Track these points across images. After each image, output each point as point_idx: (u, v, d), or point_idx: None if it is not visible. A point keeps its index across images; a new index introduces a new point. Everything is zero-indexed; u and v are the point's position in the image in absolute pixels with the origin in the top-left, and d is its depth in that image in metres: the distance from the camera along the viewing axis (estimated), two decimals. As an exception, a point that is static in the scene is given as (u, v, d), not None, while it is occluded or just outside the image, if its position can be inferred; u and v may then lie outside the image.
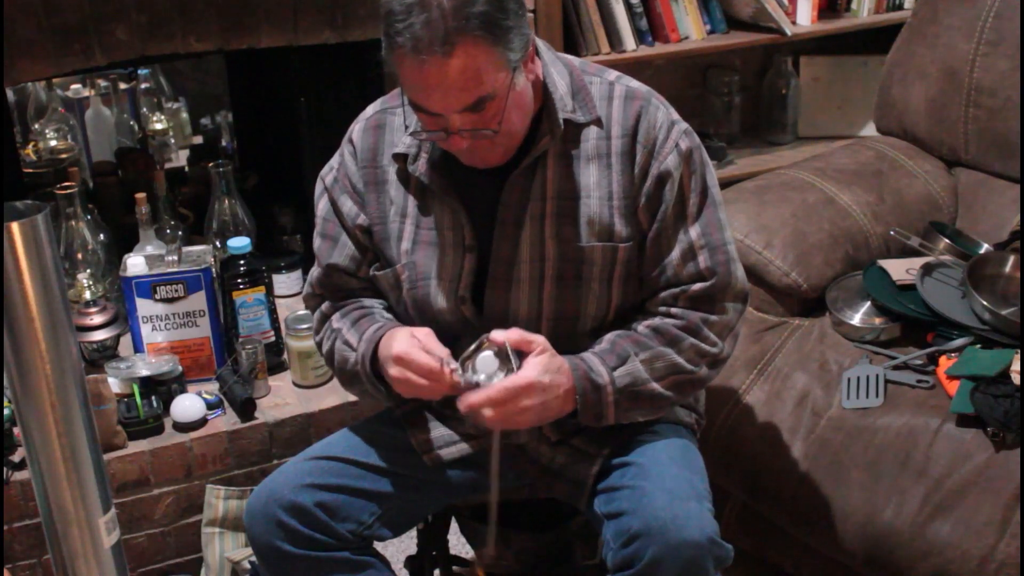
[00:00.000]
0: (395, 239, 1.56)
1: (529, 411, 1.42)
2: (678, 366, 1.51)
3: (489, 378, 1.41)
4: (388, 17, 1.34)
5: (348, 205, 1.59)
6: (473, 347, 1.43)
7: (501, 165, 1.48)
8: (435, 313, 1.54)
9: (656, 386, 1.50)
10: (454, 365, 1.42)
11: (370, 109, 1.62)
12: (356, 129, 1.60)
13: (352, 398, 2.24)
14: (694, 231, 1.51)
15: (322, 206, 1.62)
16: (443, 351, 1.44)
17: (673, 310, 1.52)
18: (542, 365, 1.42)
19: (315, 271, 1.64)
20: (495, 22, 1.33)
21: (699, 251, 1.51)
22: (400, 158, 1.54)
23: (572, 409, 1.49)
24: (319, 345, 1.65)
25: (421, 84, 1.35)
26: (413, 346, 1.44)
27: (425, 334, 1.46)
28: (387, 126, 1.57)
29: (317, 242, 1.63)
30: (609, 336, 1.52)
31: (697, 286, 1.51)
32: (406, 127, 1.50)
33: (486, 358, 1.42)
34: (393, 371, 1.46)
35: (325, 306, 1.63)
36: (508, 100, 1.38)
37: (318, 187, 1.63)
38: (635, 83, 1.54)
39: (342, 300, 1.63)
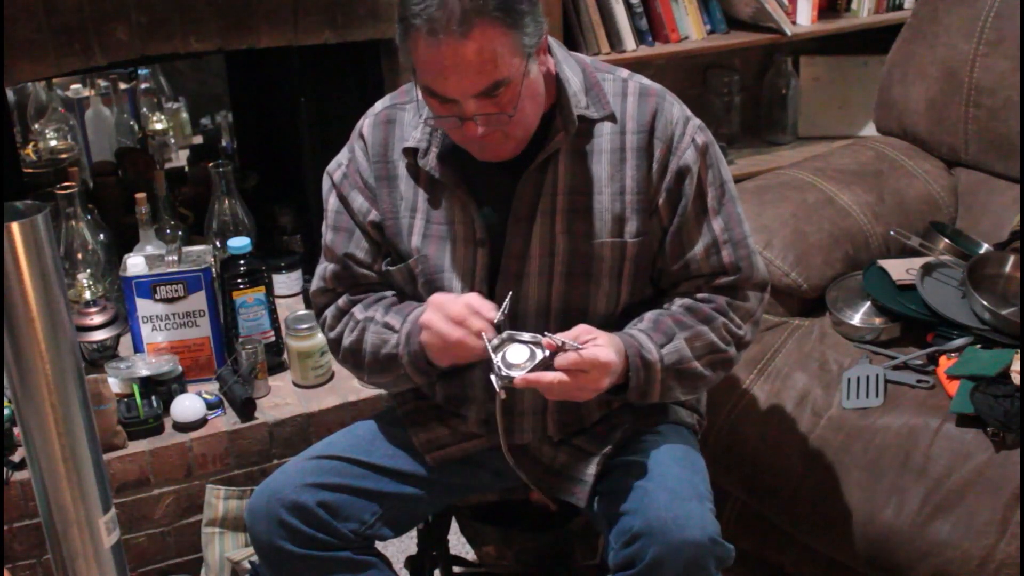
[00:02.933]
0: (406, 234, 1.56)
1: (595, 391, 1.42)
2: (714, 345, 1.52)
3: (520, 369, 1.39)
4: (404, 1, 1.34)
5: (359, 201, 1.58)
6: (497, 341, 1.40)
7: (513, 162, 1.48)
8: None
9: (697, 364, 1.51)
10: (491, 336, 1.39)
11: (379, 105, 1.61)
12: (365, 124, 1.60)
13: (352, 398, 2.24)
14: (717, 225, 1.52)
15: (332, 202, 1.61)
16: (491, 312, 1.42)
17: (699, 295, 1.54)
18: (613, 345, 1.42)
19: (329, 266, 1.61)
20: (511, 6, 1.33)
21: (723, 246, 1.53)
22: (410, 152, 1.54)
23: (617, 384, 1.48)
24: (336, 341, 1.61)
25: (437, 67, 1.34)
26: (451, 299, 1.44)
27: (477, 296, 1.45)
28: (397, 121, 1.57)
29: (329, 235, 1.61)
30: (649, 315, 1.53)
31: (721, 279, 1.53)
32: (420, 115, 1.49)
33: (518, 350, 1.40)
34: (426, 315, 1.44)
35: (342, 301, 1.60)
36: (522, 87, 1.38)
37: (325, 183, 1.62)
38: (647, 80, 1.55)
39: (360, 294, 1.60)
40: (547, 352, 1.38)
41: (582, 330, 1.42)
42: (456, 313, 1.42)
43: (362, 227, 1.59)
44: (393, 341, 1.53)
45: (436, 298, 1.46)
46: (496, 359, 1.38)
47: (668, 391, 1.51)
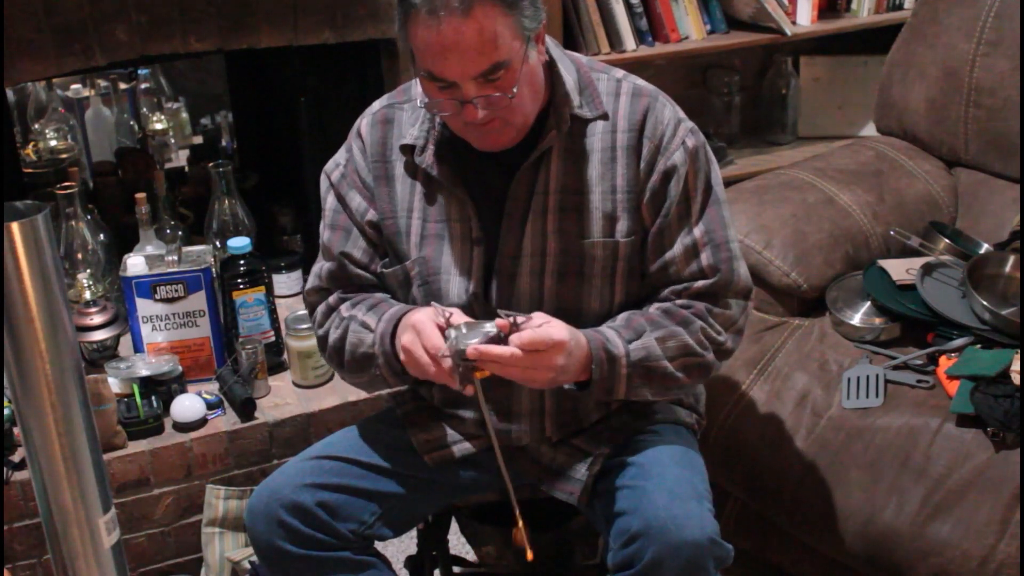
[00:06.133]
0: (404, 234, 1.56)
1: (551, 371, 1.39)
2: (689, 347, 1.50)
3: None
4: None
5: (357, 200, 1.58)
6: (455, 333, 1.39)
7: (507, 160, 1.48)
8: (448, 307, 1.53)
9: (668, 365, 1.49)
10: (446, 353, 1.38)
11: (376, 104, 1.61)
12: (364, 123, 1.60)
13: (352, 398, 2.24)
14: (698, 230, 1.51)
15: (330, 201, 1.61)
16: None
17: (678, 301, 1.53)
18: (567, 328, 1.40)
19: (325, 264, 1.61)
20: None
21: (702, 249, 1.51)
22: (407, 150, 1.54)
23: (584, 379, 1.47)
24: (323, 339, 1.61)
25: (437, 47, 1.34)
26: (430, 318, 1.41)
27: (455, 312, 1.42)
28: (395, 121, 1.57)
29: (327, 234, 1.61)
30: (623, 314, 1.52)
31: (699, 283, 1.52)
32: (421, 104, 1.47)
33: (475, 332, 1.38)
34: (405, 338, 1.43)
35: (333, 298, 1.60)
36: (521, 72, 1.38)
37: (323, 183, 1.62)
38: (642, 81, 1.55)
39: (353, 293, 1.60)
40: (498, 331, 1.37)
41: (537, 315, 1.41)
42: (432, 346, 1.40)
43: (360, 227, 1.58)
44: (369, 340, 1.52)
45: (414, 321, 1.43)
46: (451, 339, 1.37)
47: (635, 388, 1.49)
